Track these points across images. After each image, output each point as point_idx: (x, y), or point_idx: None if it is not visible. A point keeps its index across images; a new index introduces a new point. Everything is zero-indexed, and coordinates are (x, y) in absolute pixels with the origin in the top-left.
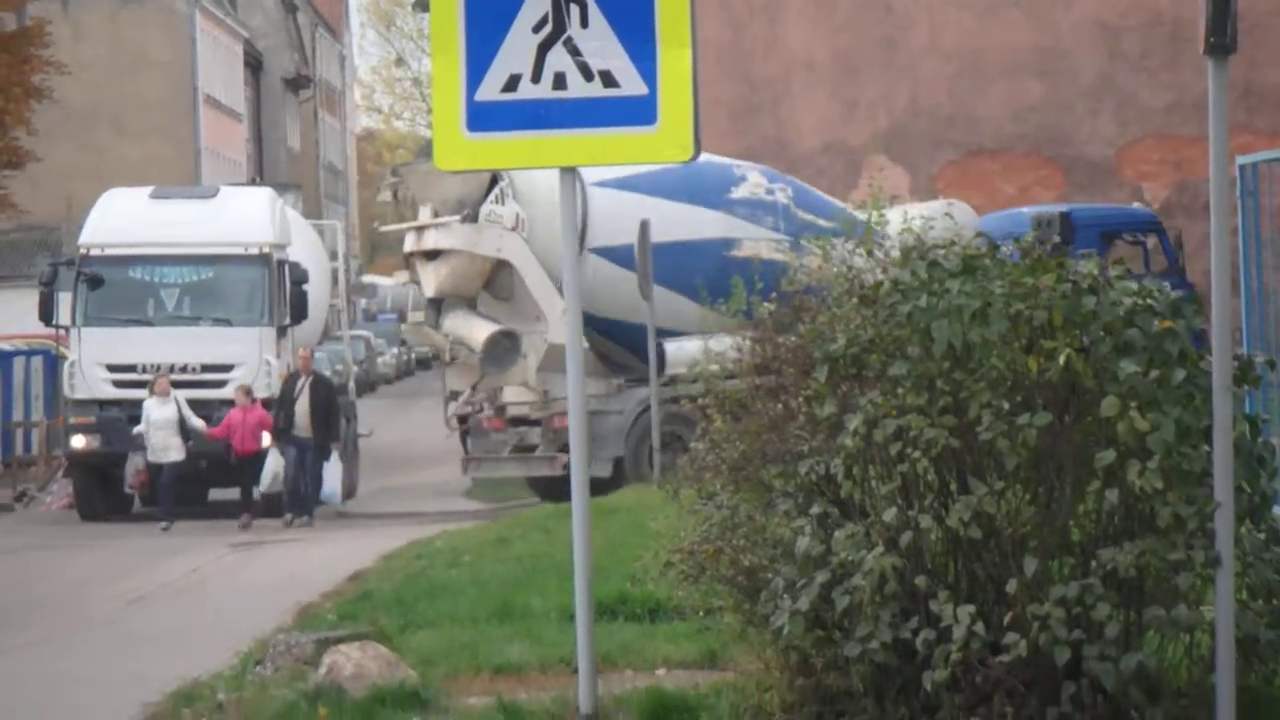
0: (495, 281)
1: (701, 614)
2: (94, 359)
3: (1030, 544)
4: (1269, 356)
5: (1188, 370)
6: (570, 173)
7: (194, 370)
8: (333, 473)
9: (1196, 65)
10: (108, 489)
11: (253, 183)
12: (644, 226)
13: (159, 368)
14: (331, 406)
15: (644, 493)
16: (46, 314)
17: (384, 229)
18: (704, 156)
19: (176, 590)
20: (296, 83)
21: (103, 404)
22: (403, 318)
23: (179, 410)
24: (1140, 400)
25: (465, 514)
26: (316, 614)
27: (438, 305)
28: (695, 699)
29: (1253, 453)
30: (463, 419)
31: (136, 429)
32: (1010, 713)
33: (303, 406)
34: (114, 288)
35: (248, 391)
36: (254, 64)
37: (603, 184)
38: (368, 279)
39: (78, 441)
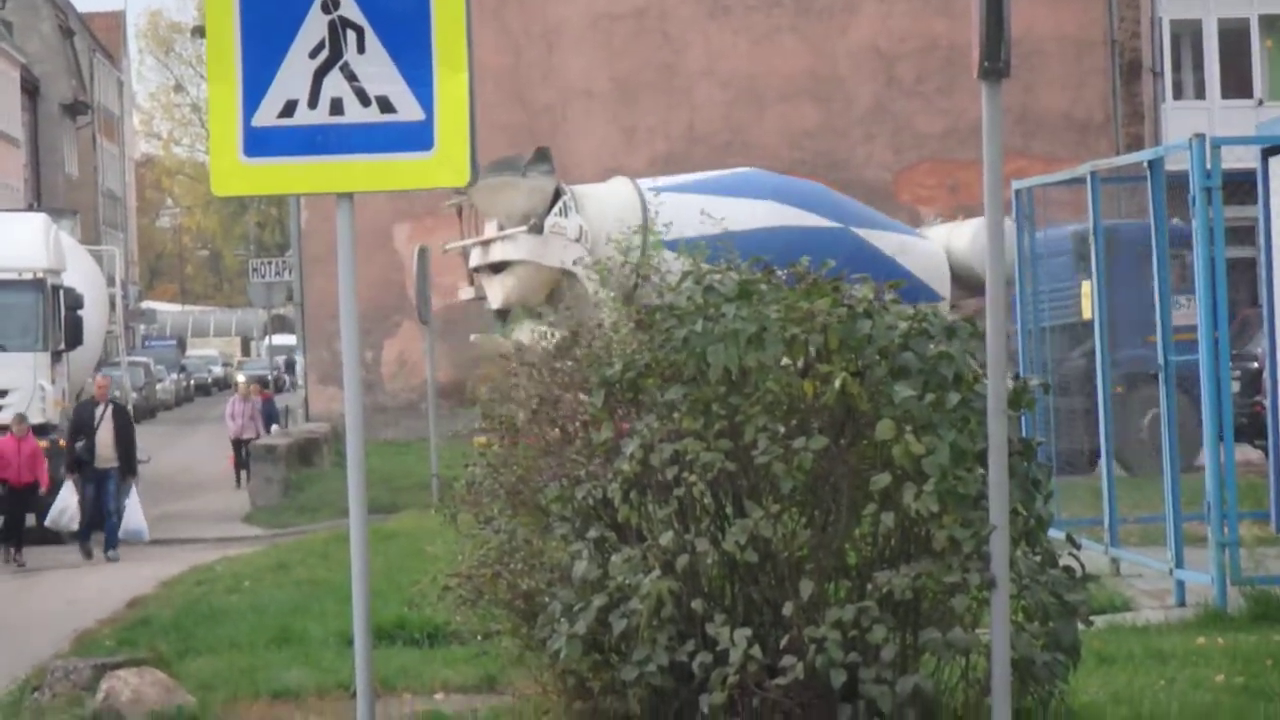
0: (557, 294)
1: (480, 638)
2: None
3: (807, 567)
4: (1043, 380)
5: (963, 394)
6: (348, 199)
7: None
8: (136, 505)
9: (972, 90)
10: None
11: (30, 209)
12: (422, 253)
13: None
14: (132, 434)
15: (423, 517)
16: None
17: (449, 246)
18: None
19: None
20: (74, 109)
21: None
22: (181, 344)
23: None
24: (915, 424)
25: (245, 539)
26: (94, 640)
27: (504, 317)
28: None
29: (1028, 475)
30: None
31: None
32: None
33: (105, 436)
34: None
35: (22, 419)
36: (31, 90)
37: (658, 189)
38: (147, 305)
39: None
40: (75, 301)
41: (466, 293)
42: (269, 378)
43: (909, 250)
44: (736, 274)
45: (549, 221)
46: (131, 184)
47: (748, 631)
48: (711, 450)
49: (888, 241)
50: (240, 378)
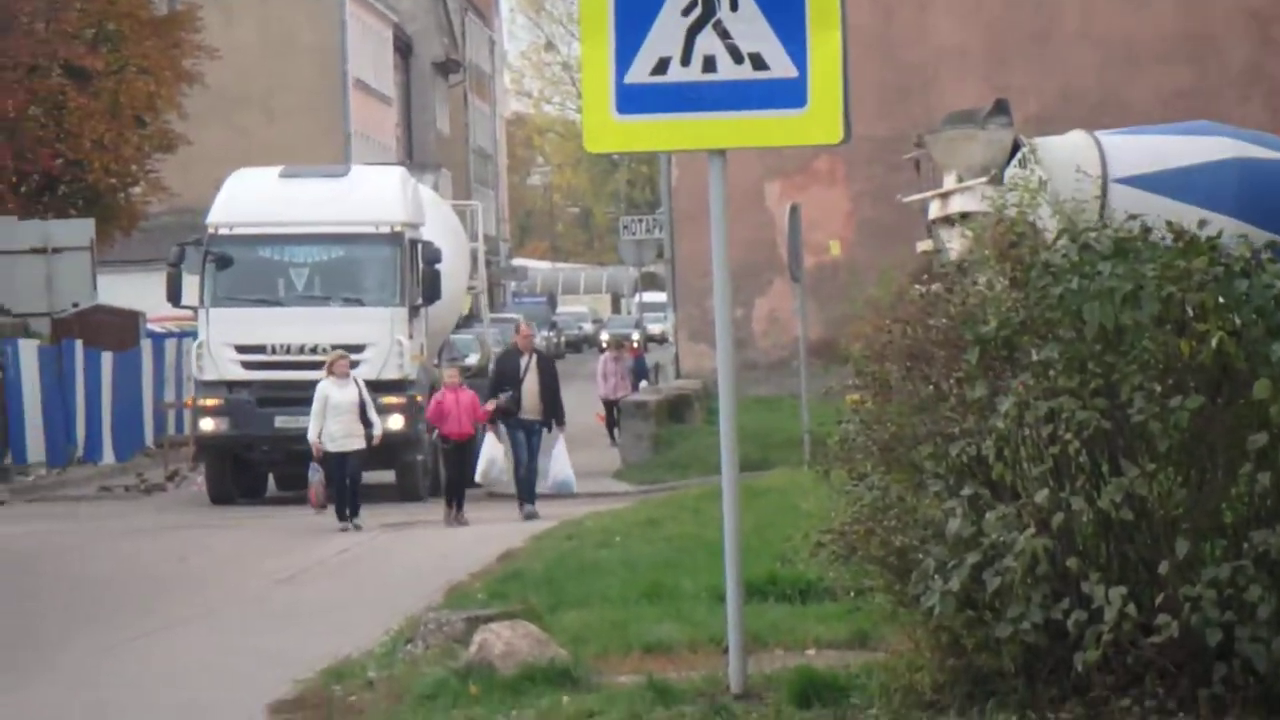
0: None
1: (852, 594)
2: (222, 340)
3: (1182, 526)
4: None
5: None
6: (720, 155)
7: (324, 351)
8: (563, 456)
9: None
10: (238, 471)
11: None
12: (794, 211)
13: (288, 348)
14: (557, 385)
15: (794, 474)
16: (174, 294)
17: (907, 199)
18: (1253, 151)
19: (328, 569)
20: (446, 67)
21: (231, 385)
22: (552, 301)
23: (360, 394)
24: None
25: (615, 495)
26: (466, 593)
27: (961, 270)
28: (845, 679)
29: None
30: None
31: (312, 437)
32: (1162, 694)
33: (531, 386)
34: (242, 267)
35: (460, 371)
36: (403, 48)
37: (1123, 180)
38: (517, 262)
39: (206, 424)
40: (434, 256)
41: (923, 245)
42: (634, 336)
43: None
44: (1112, 232)
45: (1008, 173)
46: (502, 142)
47: (1123, 590)
48: (1087, 408)
49: None
50: (604, 336)
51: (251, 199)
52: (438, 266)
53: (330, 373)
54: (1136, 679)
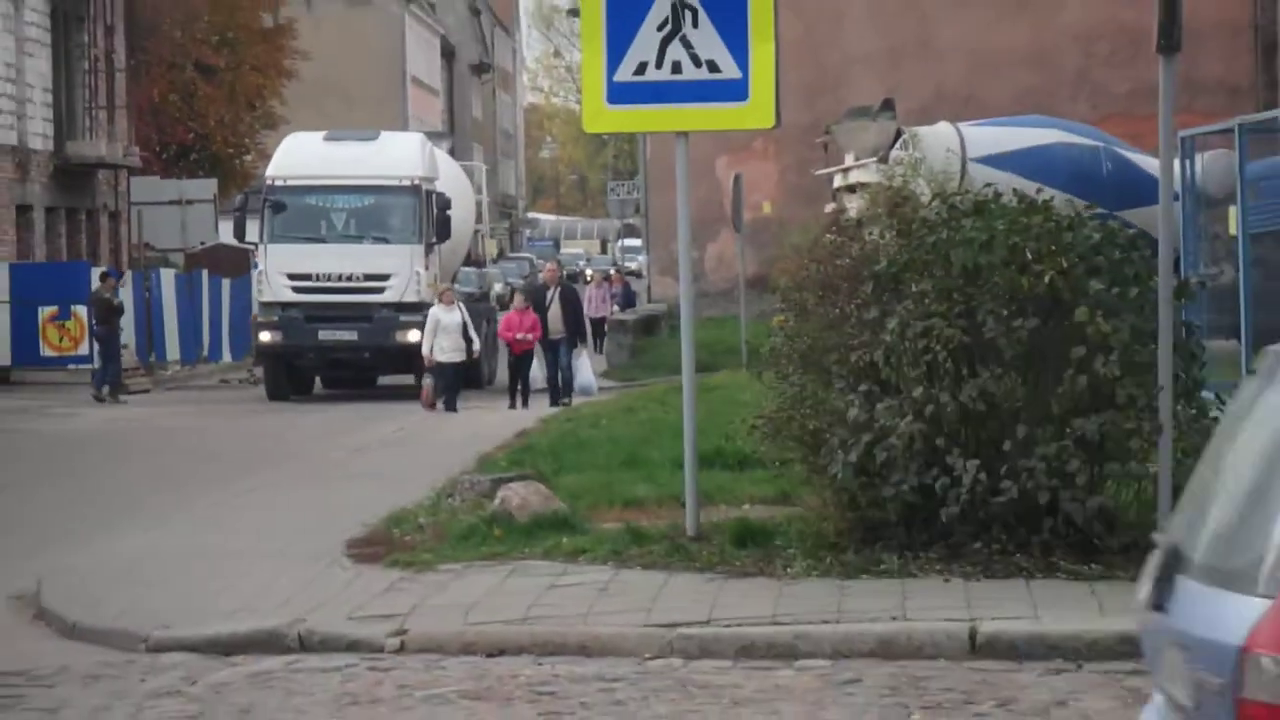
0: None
1: (777, 464)
2: (278, 269)
3: (1021, 415)
4: (1201, 278)
5: (1140, 288)
6: (684, 136)
7: (357, 279)
8: (585, 366)
9: (1152, 61)
10: (291, 374)
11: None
12: (737, 179)
13: (329, 276)
14: (578, 311)
15: (735, 375)
16: (239, 233)
17: (819, 172)
18: (1072, 138)
19: (387, 443)
20: (479, 68)
21: (284, 305)
22: (556, 244)
23: (463, 317)
24: (1105, 310)
25: (603, 389)
26: (492, 461)
27: (859, 224)
28: (772, 526)
29: (1188, 349)
30: None
31: (426, 350)
32: (1004, 539)
33: (555, 312)
34: (294, 211)
35: (526, 297)
36: (448, 53)
37: (981, 160)
38: (531, 215)
39: (265, 336)
40: (444, 204)
41: (830, 206)
42: (611, 271)
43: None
44: (972, 196)
45: (893, 154)
46: (521, 125)
47: (977, 462)
48: (952, 327)
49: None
50: (589, 271)
51: (302, 156)
52: (448, 212)
53: (440, 300)
54: (986, 528)
